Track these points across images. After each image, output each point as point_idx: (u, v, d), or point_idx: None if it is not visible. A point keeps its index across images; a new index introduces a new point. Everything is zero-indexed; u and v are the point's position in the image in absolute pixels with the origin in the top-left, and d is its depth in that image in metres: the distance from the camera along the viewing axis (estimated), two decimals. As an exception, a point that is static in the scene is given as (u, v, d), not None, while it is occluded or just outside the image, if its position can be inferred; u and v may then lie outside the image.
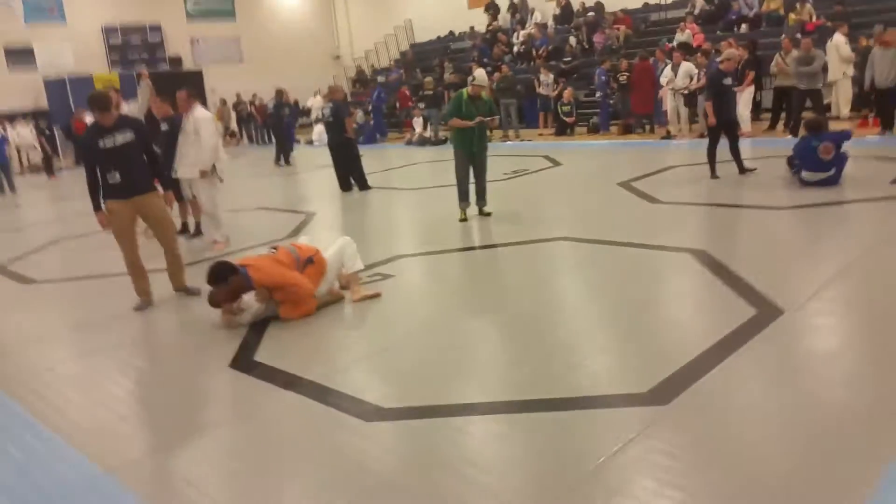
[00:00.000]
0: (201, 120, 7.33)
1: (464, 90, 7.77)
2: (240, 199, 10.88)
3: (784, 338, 3.98)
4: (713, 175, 8.92)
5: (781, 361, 3.70)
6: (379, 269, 6.25)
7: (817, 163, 7.66)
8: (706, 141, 9.21)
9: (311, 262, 5.23)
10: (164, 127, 7.98)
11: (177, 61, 24.19)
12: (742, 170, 8.95)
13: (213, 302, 5.08)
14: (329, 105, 10.94)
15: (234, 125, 23.39)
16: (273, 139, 16.60)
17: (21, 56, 21.28)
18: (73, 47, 22.07)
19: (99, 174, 5.44)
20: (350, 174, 10.92)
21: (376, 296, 5.40)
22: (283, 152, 15.53)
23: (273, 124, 15.82)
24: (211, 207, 7.60)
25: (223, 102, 23.26)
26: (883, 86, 10.59)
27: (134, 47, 23.69)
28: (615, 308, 4.83)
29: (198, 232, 8.52)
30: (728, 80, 9.00)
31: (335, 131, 10.77)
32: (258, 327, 5.01)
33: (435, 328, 4.78)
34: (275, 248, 5.33)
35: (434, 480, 2.90)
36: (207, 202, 7.58)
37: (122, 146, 5.38)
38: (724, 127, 8.86)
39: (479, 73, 7.74)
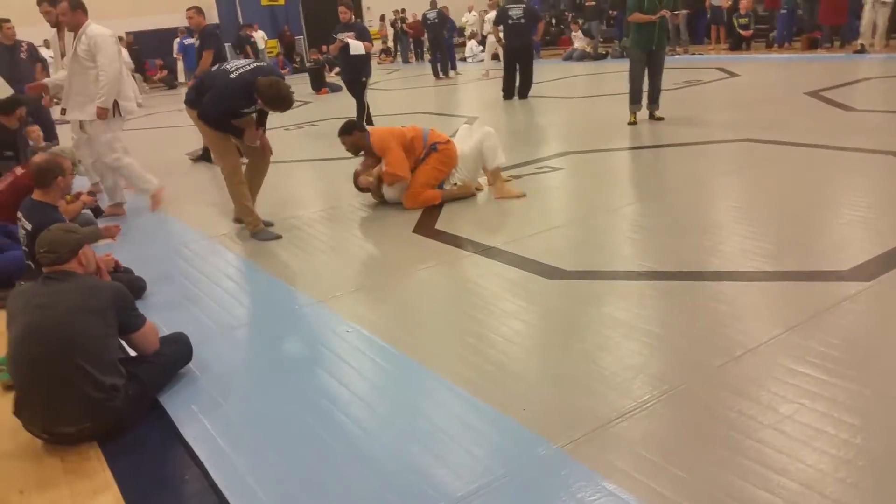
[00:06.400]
0: (99, 38, 5.38)
1: (645, -17, 7.37)
2: (399, 106, 11.17)
3: None
4: None
5: None
6: (547, 163, 6.25)
7: None
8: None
9: (434, 150, 5.13)
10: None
11: (336, -22, 24.69)
12: None
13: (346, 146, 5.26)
14: (521, 6, 10.78)
15: (390, 43, 23.68)
16: (430, 55, 16.64)
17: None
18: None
19: None
20: (522, 79, 10.80)
21: (521, 196, 5.17)
22: (443, 64, 15.60)
23: (434, 37, 15.87)
24: (110, 157, 5.62)
25: (381, 18, 23.58)
26: None
27: (296, -37, 24.31)
28: (809, 200, 4.54)
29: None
30: None
31: (524, 34, 10.65)
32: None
33: (602, 212, 4.74)
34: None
35: (605, 330, 2.97)
36: (106, 150, 5.59)
37: None
38: None
39: (664, -36, 7.26)
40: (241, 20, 21.50)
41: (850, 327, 2.77)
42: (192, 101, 4.63)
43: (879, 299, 3.00)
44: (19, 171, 4.70)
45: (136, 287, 3.77)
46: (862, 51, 11.95)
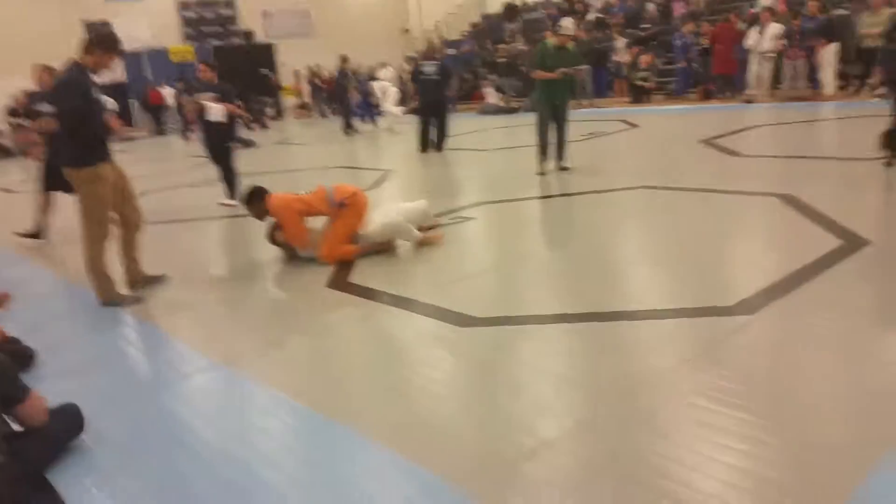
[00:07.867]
0: None
1: (548, 40, 7.72)
2: (319, 160, 11.20)
3: (870, 262, 3.99)
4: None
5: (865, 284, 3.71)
6: (460, 213, 6.37)
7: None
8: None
9: (342, 206, 5.09)
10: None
11: (249, 35, 24.56)
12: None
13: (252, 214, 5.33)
14: (434, 63, 11.08)
15: (306, 98, 23.75)
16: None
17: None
18: (150, 21, 22.47)
19: None
20: (438, 133, 11.07)
21: (437, 239, 5.37)
22: (347, 118, 15.50)
23: (338, 92, 15.86)
24: None
25: (296, 74, 23.60)
26: None
27: (208, 21, 24.11)
28: (698, 240, 4.83)
29: None
30: None
31: (437, 90, 10.98)
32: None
33: (513, 260, 4.88)
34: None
35: (515, 374, 3.04)
36: None
37: None
38: None
39: (566, 22, 7.64)
40: (150, 77, 21.28)
41: (739, 358, 2.93)
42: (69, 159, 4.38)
43: (763, 330, 3.20)
44: None
45: (24, 357, 3.57)
46: (750, 101, 12.88)
